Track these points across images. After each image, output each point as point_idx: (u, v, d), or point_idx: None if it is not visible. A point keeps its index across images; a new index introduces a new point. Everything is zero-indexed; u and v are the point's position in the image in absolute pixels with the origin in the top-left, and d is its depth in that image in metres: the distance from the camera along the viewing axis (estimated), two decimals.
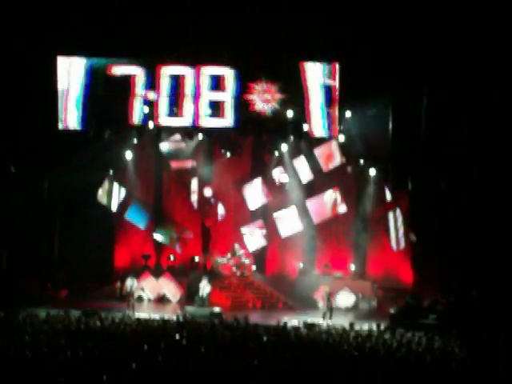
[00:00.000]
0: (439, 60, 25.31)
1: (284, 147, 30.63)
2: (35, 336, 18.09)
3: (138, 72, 29.08)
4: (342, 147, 30.01)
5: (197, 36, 27.15)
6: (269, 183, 31.61)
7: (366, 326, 23.14)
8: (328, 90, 28.08)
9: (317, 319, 25.55)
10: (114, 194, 32.01)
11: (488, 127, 25.30)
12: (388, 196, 29.85)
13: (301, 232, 31.61)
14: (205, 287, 27.66)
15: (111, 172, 31.83)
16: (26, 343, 17.16)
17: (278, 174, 31.35)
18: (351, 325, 22.72)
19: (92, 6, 27.36)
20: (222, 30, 27.29)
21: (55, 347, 16.78)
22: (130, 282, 28.17)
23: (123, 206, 32.43)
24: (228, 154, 31.90)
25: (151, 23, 27.44)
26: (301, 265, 31.73)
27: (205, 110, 29.07)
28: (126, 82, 29.13)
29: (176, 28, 27.02)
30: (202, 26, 27.14)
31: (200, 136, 30.81)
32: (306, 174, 30.79)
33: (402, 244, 29.74)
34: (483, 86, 24.87)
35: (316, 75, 28.16)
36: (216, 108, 29.03)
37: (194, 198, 32.71)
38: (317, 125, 28.54)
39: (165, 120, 29.49)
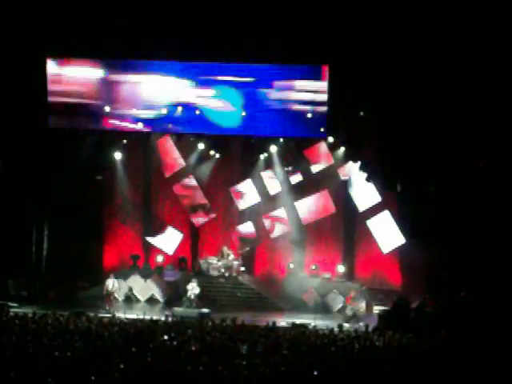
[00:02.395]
0: (428, 60, 25.33)
1: (273, 148, 30.66)
2: (22, 336, 18.03)
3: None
4: (331, 148, 30.05)
5: (183, 38, 27.07)
6: (258, 184, 31.59)
7: (354, 328, 23.16)
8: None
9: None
10: (103, 195, 31.94)
11: (478, 129, 25.34)
12: (377, 197, 29.88)
13: (289, 233, 31.64)
14: (194, 288, 27.68)
15: (100, 172, 31.79)
16: (13, 343, 17.10)
17: (268, 176, 31.34)
18: (340, 326, 22.75)
19: (84, 9, 27.26)
20: (209, 34, 27.21)
21: (42, 347, 16.74)
22: (110, 281, 28.25)
23: (112, 206, 32.38)
24: (217, 155, 32.00)
25: (144, 25, 27.36)
26: (291, 266, 31.74)
27: None
28: None
29: (167, 28, 26.97)
30: (188, 29, 27.07)
31: (190, 137, 30.87)
32: (295, 176, 30.82)
33: (391, 245, 29.76)
34: (472, 87, 24.91)
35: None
36: None
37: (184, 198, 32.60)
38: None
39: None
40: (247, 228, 32.01)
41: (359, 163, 28.99)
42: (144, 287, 30.71)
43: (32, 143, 29.39)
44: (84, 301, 29.18)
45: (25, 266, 30.20)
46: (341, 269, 31.12)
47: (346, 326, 24.43)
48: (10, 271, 29.22)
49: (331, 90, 27.60)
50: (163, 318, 24.14)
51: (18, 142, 29.14)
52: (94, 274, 31.68)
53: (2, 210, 29.14)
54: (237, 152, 32.48)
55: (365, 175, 29.04)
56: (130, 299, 30.46)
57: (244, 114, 28.39)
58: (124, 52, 27.83)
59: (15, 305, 27.09)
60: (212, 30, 26.69)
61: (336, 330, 22.09)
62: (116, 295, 28.90)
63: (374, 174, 28.77)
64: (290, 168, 31.06)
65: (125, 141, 31.34)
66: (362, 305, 28.89)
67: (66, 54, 28.46)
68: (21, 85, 28.02)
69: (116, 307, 27.94)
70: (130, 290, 30.55)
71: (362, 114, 28.54)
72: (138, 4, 27.02)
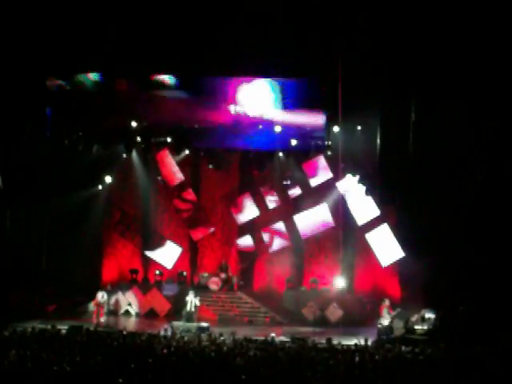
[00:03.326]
0: (427, 74, 25.41)
1: (272, 162, 30.71)
2: (21, 351, 17.99)
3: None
4: (330, 162, 30.06)
5: (182, 50, 27.18)
6: (257, 198, 31.59)
7: (353, 341, 23.14)
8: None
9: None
10: (102, 209, 31.94)
11: (476, 141, 25.41)
12: (376, 211, 29.87)
13: (288, 247, 31.62)
14: (192, 302, 27.67)
15: (99, 186, 31.82)
16: (12, 358, 17.06)
17: (267, 189, 31.34)
18: (328, 340, 22.67)
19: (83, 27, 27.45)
20: (210, 48, 27.31)
21: (42, 362, 16.71)
22: (100, 294, 28.37)
23: (111, 220, 32.41)
24: (216, 169, 32.07)
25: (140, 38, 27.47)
26: (291, 279, 31.69)
27: None
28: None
29: (166, 40, 27.08)
30: (191, 40, 27.17)
31: (187, 151, 30.98)
32: (294, 189, 30.82)
33: (390, 259, 29.73)
34: (471, 100, 24.99)
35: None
36: None
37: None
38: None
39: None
40: (246, 242, 31.95)
41: (358, 177, 29.03)
42: (143, 301, 30.72)
43: (31, 155, 29.42)
44: (83, 315, 29.16)
45: (24, 280, 30.16)
46: (340, 282, 31.08)
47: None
48: (9, 285, 29.19)
49: (329, 103, 27.71)
50: (162, 332, 24.11)
51: (16, 153, 29.17)
52: (94, 288, 31.63)
53: (1, 224, 29.12)
54: (235, 166, 32.52)
55: (364, 189, 29.08)
56: (128, 313, 30.47)
57: None
58: None
59: (15, 319, 27.03)
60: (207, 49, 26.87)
61: (334, 343, 22.05)
62: (105, 308, 29.00)
63: (372, 188, 28.81)
64: (288, 182, 31.05)
65: (124, 155, 31.46)
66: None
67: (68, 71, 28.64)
68: (21, 94, 28.15)
69: (105, 320, 27.98)
70: (129, 304, 30.57)
71: (359, 127, 28.67)
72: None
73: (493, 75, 24.77)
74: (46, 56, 27.72)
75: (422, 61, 25.43)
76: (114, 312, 30.33)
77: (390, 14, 25.71)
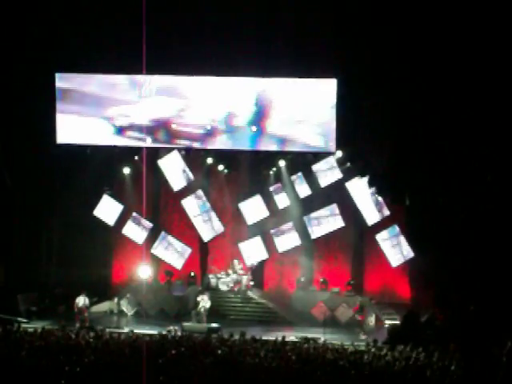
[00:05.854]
0: (437, 74, 25.36)
1: (282, 163, 30.68)
2: (32, 351, 18.05)
3: None
4: (340, 162, 30.00)
5: (190, 50, 27.22)
6: (267, 198, 31.50)
7: (363, 342, 23.14)
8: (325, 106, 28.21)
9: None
10: (111, 210, 31.96)
11: (486, 141, 25.33)
12: (386, 211, 29.83)
13: (298, 247, 31.55)
14: (204, 301, 27.69)
15: (109, 187, 31.82)
16: (22, 359, 17.12)
17: (276, 190, 31.26)
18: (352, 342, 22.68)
19: (90, 22, 27.47)
20: (217, 50, 27.34)
21: (52, 362, 16.75)
22: (81, 298, 27.95)
23: (121, 221, 32.41)
24: (226, 170, 32.04)
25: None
26: (301, 279, 31.69)
27: None
28: None
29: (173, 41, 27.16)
30: (199, 40, 27.24)
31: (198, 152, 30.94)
32: (303, 190, 30.74)
33: (400, 259, 29.70)
34: (481, 99, 24.92)
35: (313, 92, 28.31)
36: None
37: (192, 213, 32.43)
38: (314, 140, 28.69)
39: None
40: (256, 243, 31.81)
41: (368, 177, 29.00)
42: (153, 302, 30.75)
43: (41, 158, 29.49)
44: (94, 316, 29.18)
45: (34, 280, 30.24)
46: (350, 283, 31.06)
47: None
48: (19, 286, 29.27)
49: (339, 104, 27.72)
50: (172, 333, 24.12)
51: (25, 156, 29.25)
52: (104, 289, 31.72)
53: (11, 225, 29.21)
54: (245, 167, 32.47)
55: (373, 189, 29.06)
56: (139, 314, 30.51)
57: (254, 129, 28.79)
58: None
59: (25, 320, 27.11)
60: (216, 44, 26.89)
61: (346, 344, 22.04)
62: (86, 313, 28.52)
63: (382, 188, 28.76)
64: (298, 182, 30.78)
65: (136, 157, 31.44)
66: (372, 319, 28.97)
67: (75, 69, 28.66)
68: (29, 100, 28.22)
69: (89, 324, 27.61)
70: (139, 304, 30.60)
71: (369, 130, 28.65)
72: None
73: (504, 64, 24.68)
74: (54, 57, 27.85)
75: (433, 59, 25.35)
76: (124, 313, 30.32)
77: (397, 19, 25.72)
